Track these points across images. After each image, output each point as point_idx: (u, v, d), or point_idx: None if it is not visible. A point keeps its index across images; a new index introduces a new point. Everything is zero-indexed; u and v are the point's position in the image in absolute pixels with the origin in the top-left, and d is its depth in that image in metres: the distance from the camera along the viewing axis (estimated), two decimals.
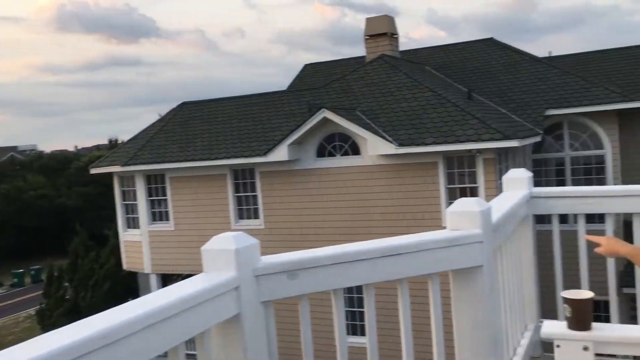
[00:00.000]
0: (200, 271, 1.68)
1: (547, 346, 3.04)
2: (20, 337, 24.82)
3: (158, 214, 16.46)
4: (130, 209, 16.96)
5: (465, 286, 2.17)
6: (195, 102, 17.86)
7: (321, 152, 14.09)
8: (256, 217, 15.06)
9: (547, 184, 14.89)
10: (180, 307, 1.41)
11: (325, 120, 13.49)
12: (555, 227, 3.38)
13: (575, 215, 3.32)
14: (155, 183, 16.34)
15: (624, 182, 15.06)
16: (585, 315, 2.47)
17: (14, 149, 67.92)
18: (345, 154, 13.83)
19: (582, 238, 3.26)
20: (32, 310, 27.94)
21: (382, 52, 16.78)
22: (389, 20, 17.20)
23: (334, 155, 13.94)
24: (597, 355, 2.44)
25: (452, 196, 12.73)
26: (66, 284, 23.70)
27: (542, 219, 3.57)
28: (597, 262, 4.25)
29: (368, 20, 17.27)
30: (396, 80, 14.90)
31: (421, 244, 2.03)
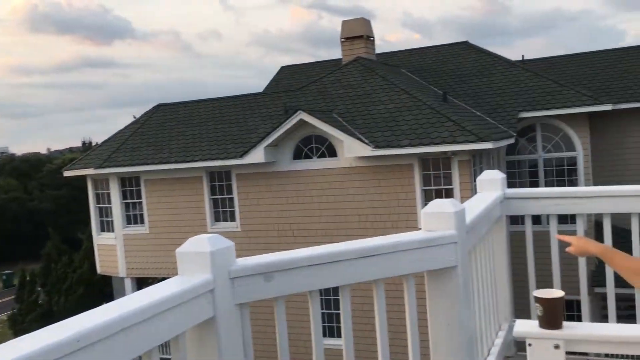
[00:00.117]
0: (175, 274, 1.67)
1: (521, 345, 3.08)
2: None
3: (133, 217, 16.28)
4: (105, 212, 16.75)
5: (440, 287, 2.20)
6: (171, 104, 17.73)
7: (298, 154, 14.09)
8: (232, 219, 15.00)
9: (521, 186, 15.10)
10: (155, 310, 1.40)
11: (302, 123, 13.50)
12: (528, 227, 3.43)
13: (548, 216, 3.37)
14: (130, 186, 16.16)
15: (595, 184, 15.35)
16: (556, 314, 2.51)
17: None
18: (322, 156, 13.85)
19: (554, 238, 3.31)
20: (4, 316, 27.42)
21: (358, 54, 16.86)
22: (365, 23, 17.29)
23: (311, 157, 13.95)
24: (569, 353, 2.49)
25: (427, 198, 12.83)
26: (39, 289, 23.31)
27: (516, 220, 3.62)
28: (569, 262, 4.33)
29: (344, 23, 17.33)
30: (372, 83, 14.98)
31: (396, 245, 2.04)
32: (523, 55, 18.85)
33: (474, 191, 12.13)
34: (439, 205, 2.23)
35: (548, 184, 15.08)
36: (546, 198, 3.32)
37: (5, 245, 39.29)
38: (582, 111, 14.56)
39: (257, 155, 13.82)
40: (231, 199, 14.98)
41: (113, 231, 16.48)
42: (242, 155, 14.04)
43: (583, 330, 2.49)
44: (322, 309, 13.55)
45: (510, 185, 3.56)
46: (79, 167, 16.81)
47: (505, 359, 3.18)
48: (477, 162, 13.12)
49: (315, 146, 13.89)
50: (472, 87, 16.53)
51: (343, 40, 17.36)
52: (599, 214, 3.27)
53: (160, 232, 15.81)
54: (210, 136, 15.39)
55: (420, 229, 2.26)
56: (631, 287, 2.99)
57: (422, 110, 13.35)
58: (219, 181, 15.10)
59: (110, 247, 16.65)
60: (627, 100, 15.68)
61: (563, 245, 3.22)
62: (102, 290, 22.34)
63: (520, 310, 3.66)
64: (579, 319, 3.25)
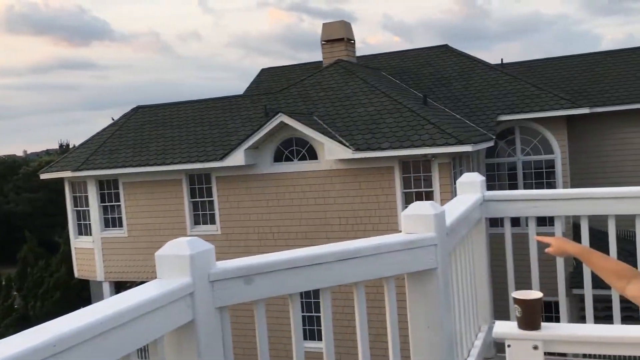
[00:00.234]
0: (154, 278, 1.65)
1: (500, 347, 3.10)
2: None
3: (111, 220, 16.10)
4: (82, 215, 16.54)
5: (420, 289, 2.20)
6: (150, 105, 17.58)
7: (278, 157, 14.07)
8: (212, 222, 14.91)
9: (500, 188, 15.24)
10: (133, 314, 1.38)
11: (283, 125, 13.48)
12: (507, 229, 3.46)
13: (527, 218, 3.40)
14: (108, 188, 15.99)
15: (573, 186, 15.56)
16: (535, 315, 2.53)
17: None
18: (303, 158, 13.84)
19: (533, 240, 3.35)
20: None
21: (339, 57, 16.90)
22: (346, 25, 17.33)
23: (291, 160, 13.94)
24: (547, 354, 2.51)
25: (408, 200, 12.89)
26: (15, 293, 22.93)
27: (495, 222, 3.65)
28: (547, 264, 4.37)
29: (325, 25, 17.36)
30: (353, 86, 15.02)
31: (377, 248, 2.04)
32: (502, 59, 19.07)
33: (454, 194, 12.22)
34: (419, 207, 2.24)
35: (527, 186, 15.25)
36: (525, 200, 3.35)
37: None
38: (560, 114, 14.76)
39: (237, 158, 13.77)
40: (211, 202, 14.90)
41: (91, 234, 16.29)
42: (222, 157, 13.97)
43: (561, 331, 2.51)
44: (303, 312, 13.53)
45: (490, 187, 3.59)
46: (56, 170, 16.59)
47: None
48: (457, 165, 13.22)
49: (296, 149, 13.88)
50: (451, 90, 16.66)
51: (323, 42, 17.39)
52: (577, 216, 3.31)
53: (139, 235, 15.66)
54: (190, 138, 15.29)
55: (400, 231, 2.26)
56: (608, 288, 3.03)
57: (402, 113, 13.42)
58: (199, 184, 15.01)
59: (88, 251, 16.45)
60: (603, 104, 15.93)
61: (541, 247, 3.25)
62: (80, 294, 22.07)
63: (500, 312, 3.69)
64: (557, 320, 3.28)
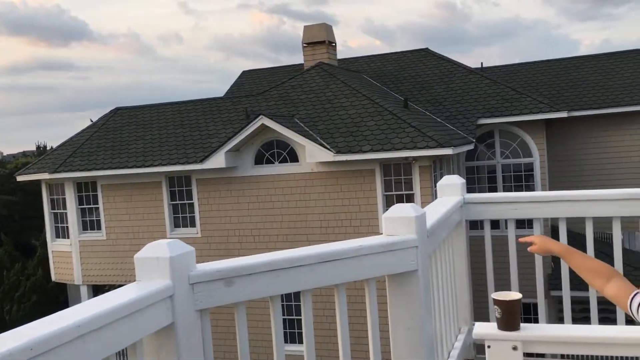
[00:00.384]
0: (133, 282, 1.63)
1: (480, 348, 3.12)
2: None
3: (89, 223, 15.92)
4: (60, 218, 16.33)
5: (401, 290, 2.21)
6: (129, 107, 17.42)
7: (259, 160, 14.03)
8: (193, 225, 14.82)
9: (480, 191, 15.38)
10: (112, 317, 1.37)
11: (263, 127, 13.45)
12: (487, 232, 3.49)
13: (506, 221, 3.43)
14: (86, 191, 15.80)
15: (551, 189, 15.75)
16: (514, 315, 2.55)
17: None
18: (284, 161, 13.82)
19: (513, 242, 3.38)
20: None
21: (320, 60, 16.92)
22: (327, 28, 17.37)
23: (272, 163, 13.91)
24: (526, 354, 2.53)
25: (389, 203, 12.94)
26: None
27: (475, 225, 3.68)
28: (526, 266, 4.41)
29: (306, 28, 17.37)
30: (334, 88, 15.05)
31: (358, 250, 2.04)
32: (482, 63, 19.27)
33: (434, 196, 12.29)
34: (400, 209, 2.24)
35: (506, 189, 15.40)
36: (505, 203, 3.38)
37: None
38: (539, 118, 14.94)
39: (217, 160, 13.70)
40: (191, 205, 14.80)
41: (68, 237, 16.08)
42: (202, 160, 13.90)
43: (540, 332, 2.54)
44: (283, 314, 13.50)
45: (470, 190, 3.62)
46: (33, 172, 16.35)
47: None
48: (438, 168, 13.30)
49: (277, 151, 13.85)
50: (432, 93, 16.77)
51: (305, 45, 17.40)
52: (555, 218, 3.35)
53: (117, 238, 15.50)
54: (170, 141, 15.18)
55: (381, 233, 2.27)
56: (586, 290, 3.07)
57: (383, 116, 13.47)
58: (179, 186, 14.91)
59: (66, 254, 16.24)
60: (581, 108, 16.17)
61: (521, 249, 3.28)
62: (57, 298, 21.76)
63: (480, 314, 3.72)
64: (535, 321, 3.31)
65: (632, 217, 3.18)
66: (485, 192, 15.23)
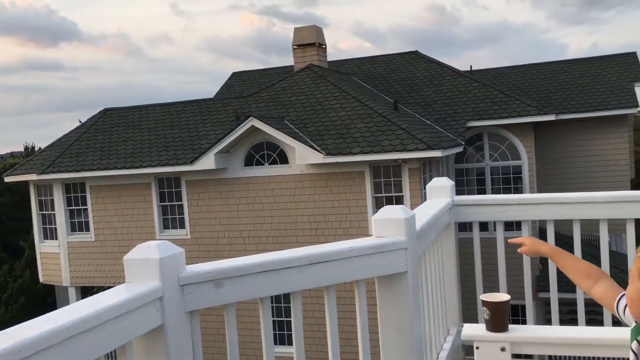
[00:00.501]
0: (122, 283, 1.62)
1: (468, 350, 3.14)
2: None
3: (77, 225, 15.82)
4: (48, 219, 16.21)
5: (391, 292, 2.21)
6: (119, 108, 17.34)
7: (249, 161, 14.01)
8: (182, 226, 14.77)
9: (469, 193, 15.45)
10: (102, 318, 1.36)
11: (253, 129, 13.44)
12: (476, 234, 3.51)
13: (494, 223, 3.45)
14: (74, 192, 15.71)
15: (539, 191, 15.86)
16: (503, 317, 2.57)
17: None
18: (274, 162, 13.81)
19: (501, 244, 3.40)
20: None
21: (310, 62, 16.93)
22: (317, 30, 17.38)
23: (262, 164, 13.90)
24: (515, 355, 2.55)
25: (378, 205, 12.97)
26: None
27: (464, 227, 3.70)
28: (514, 268, 4.44)
29: (296, 30, 17.38)
30: (324, 90, 15.06)
31: (347, 251, 2.05)
32: (471, 66, 19.35)
33: (423, 198, 12.33)
34: (389, 211, 2.25)
35: (495, 191, 15.49)
36: (493, 205, 3.40)
37: None
38: (527, 121, 15.04)
39: (207, 162, 13.67)
40: (180, 206, 14.75)
41: (57, 239, 15.97)
42: (192, 161, 13.86)
43: (528, 333, 2.56)
44: (273, 316, 13.48)
45: (458, 192, 3.64)
46: (20, 173, 16.23)
47: None
48: (427, 170, 13.35)
49: (267, 153, 13.84)
50: (422, 96, 16.84)
51: (295, 47, 17.40)
52: (543, 221, 3.38)
53: (106, 239, 15.42)
54: (159, 142, 15.13)
55: (371, 236, 2.27)
56: (573, 291, 3.09)
57: (373, 118, 13.50)
58: (168, 188, 14.85)
59: (54, 255, 16.12)
60: (568, 111, 16.29)
61: (509, 251, 3.30)
62: (45, 300, 21.61)
63: (468, 316, 3.73)
64: (524, 323, 3.33)
65: (618, 219, 3.21)
66: (474, 194, 15.30)
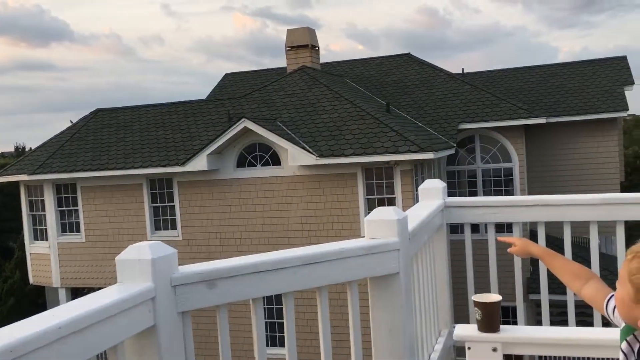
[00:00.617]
0: (112, 284, 1.62)
1: (460, 351, 3.15)
2: None
3: (68, 225, 15.74)
4: (38, 220, 16.12)
5: (383, 293, 2.22)
6: (110, 109, 17.28)
7: (241, 162, 13.99)
8: (174, 228, 14.72)
9: (460, 195, 15.50)
10: (94, 318, 1.36)
11: (246, 130, 13.43)
12: (467, 235, 3.52)
13: (486, 225, 3.47)
14: (65, 193, 15.63)
15: (530, 193, 15.94)
16: (494, 317, 2.58)
17: None
18: (266, 164, 13.80)
19: (492, 246, 3.42)
20: None
21: (303, 63, 16.93)
22: (310, 32, 17.39)
23: (255, 166, 13.88)
24: (506, 356, 2.56)
25: (370, 206, 12.99)
26: None
27: (455, 229, 3.72)
28: (505, 270, 4.46)
29: (289, 31, 17.38)
30: (316, 92, 15.07)
31: (340, 252, 2.05)
32: (463, 69, 19.42)
33: (415, 200, 12.36)
34: (382, 212, 2.26)
35: (486, 193, 15.55)
36: (485, 207, 3.42)
37: None
38: (519, 124, 15.11)
39: (199, 163, 13.64)
40: (172, 207, 14.71)
41: (47, 240, 15.88)
42: (184, 162, 13.82)
43: (519, 333, 2.57)
44: (265, 318, 13.46)
45: (450, 194, 3.65)
46: (11, 173, 16.12)
47: None
48: (419, 172, 13.38)
49: (259, 154, 13.83)
50: (414, 98, 16.89)
51: (288, 49, 17.40)
52: (534, 223, 3.40)
53: (97, 240, 15.35)
54: (151, 143, 15.08)
55: (363, 237, 2.28)
56: (563, 293, 3.11)
57: (365, 120, 13.52)
58: (160, 189, 14.80)
59: (44, 256, 16.03)
60: (559, 114, 16.39)
61: (500, 253, 3.32)
62: (35, 301, 21.47)
63: (460, 317, 3.75)
64: (515, 324, 3.35)
65: (608, 221, 3.23)
66: (465, 196, 15.36)
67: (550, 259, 2.10)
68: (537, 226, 3.36)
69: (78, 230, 15.60)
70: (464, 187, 15.86)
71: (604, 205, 3.21)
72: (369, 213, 2.29)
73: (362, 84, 17.96)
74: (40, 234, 16.17)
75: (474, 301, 2.61)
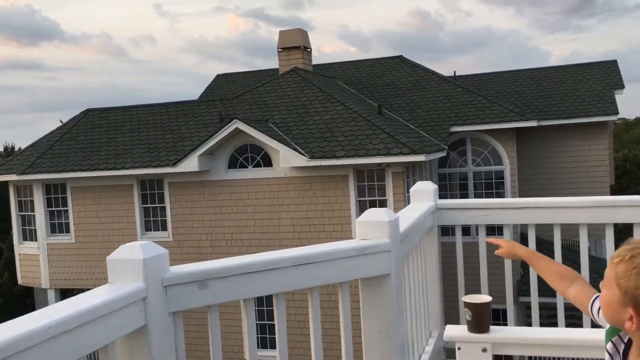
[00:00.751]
0: (102, 285, 1.62)
1: (450, 352, 3.16)
2: None
3: (58, 226, 15.64)
4: (27, 220, 16.02)
5: (374, 294, 2.23)
6: (101, 109, 17.20)
7: (233, 164, 13.97)
8: (164, 229, 14.67)
9: (452, 197, 15.53)
10: (84, 318, 1.35)
11: (237, 131, 13.41)
12: (458, 237, 3.54)
13: (477, 228, 3.49)
14: (55, 193, 15.54)
15: (521, 196, 16.01)
16: (484, 318, 2.60)
17: None
18: (257, 165, 13.79)
19: (483, 248, 3.43)
20: None
21: (295, 65, 16.94)
22: (303, 33, 17.41)
23: (246, 167, 13.87)
24: (496, 356, 2.58)
25: (362, 208, 13.00)
26: None
27: (446, 231, 3.73)
28: (496, 272, 4.48)
29: (282, 33, 17.39)
30: (308, 93, 15.08)
31: (332, 253, 2.06)
32: (455, 71, 19.52)
33: (407, 202, 12.39)
34: (373, 214, 2.27)
35: (477, 196, 15.62)
36: (476, 209, 3.43)
37: None
38: (510, 127, 15.19)
39: (190, 164, 13.60)
40: (163, 208, 14.66)
41: (36, 240, 15.78)
42: (175, 163, 13.78)
43: (509, 334, 2.58)
44: (256, 319, 13.44)
45: (441, 197, 3.67)
46: (0, 173, 16.01)
47: None
48: (411, 174, 13.42)
49: (251, 155, 13.82)
50: (406, 100, 16.93)
51: (280, 50, 17.41)
52: (524, 225, 3.42)
53: (86, 241, 15.26)
54: (142, 143, 15.03)
55: (354, 239, 2.28)
56: (553, 296, 3.13)
57: (357, 122, 13.54)
58: (151, 189, 14.75)
59: (33, 257, 15.92)
60: (550, 118, 16.49)
61: (491, 255, 3.34)
62: (24, 302, 21.33)
63: (451, 320, 3.76)
64: (505, 326, 3.36)
65: (598, 224, 3.26)
66: (457, 198, 15.40)
67: (536, 260, 2.12)
68: (527, 228, 3.38)
69: (68, 231, 15.51)
70: (455, 189, 15.91)
71: (594, 208, 3.23)
72: (360, 215, 2.30)
73: (354, 86, 17.99)
74: (29, 235, 16.06)
75: (464, 302, 2.62)
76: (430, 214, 3.26)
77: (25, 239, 16.18)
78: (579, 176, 16.56)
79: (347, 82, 18.24)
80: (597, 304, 1.74)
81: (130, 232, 14.78)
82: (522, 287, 13.76)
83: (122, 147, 15.11)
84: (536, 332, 2.65)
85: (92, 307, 1.39)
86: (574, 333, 2.55)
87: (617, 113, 16.24)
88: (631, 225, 3.17)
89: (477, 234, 3.46)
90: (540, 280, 2.79)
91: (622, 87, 17.29)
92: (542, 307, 3.55)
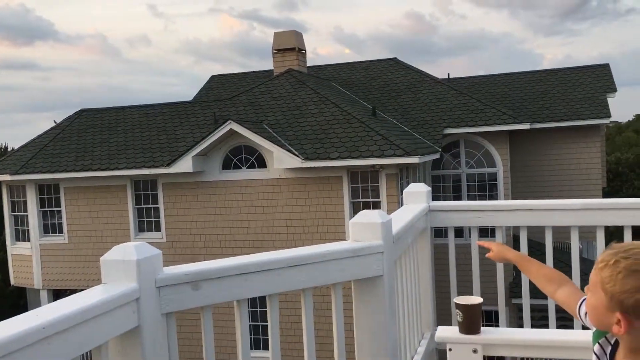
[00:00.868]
0: (95, 286, 1.62)
1: (442, 354, 3.18)
2: None
3: (51, 226, 15.59)
4: (20, 221, 15.95)
5: (366, 295, 2.24)
6: (95, 109, 17.16)
7: (227, 165, 13.96)
8: (158, 229, 14.64)
9: (445, 199, 15.59)
10: (78, 319, 1.36)
11: (232, 132, 13.41)
12: (451, 239, 3.56)
13: (469, 230, 3.51)
14: (48, 193, 15.48)
15: (513, 198, 16.07)
16: (475, 319, 2.61)
17: None
18: (252, 166, 13.78)
19: (475, 250, 3.45)
20: None
21: (290, 66, 16.95)
22: (297, 35, 17.42)
23: (240, 168, 13.86)
24: (487, 357, 2.59)
25: (355, 210, 13.02)
26: None
27: (439, 233, 3.75)
28: (488, 274, 4.50)
29: (276, 34, 17.40)
30: (303, 95, 15.09)
31: (325, 255, 2.07)
32: (449, 74, 19.58)
33: (400, 204, 12.42)
34: (366, 215, 2.28)
35: (470, 198, 15.67)
36: (468, 211, 3.45)
37: None
38: (503, 129, 15.25)
39: (184, 165, 13.59)
40: (156, 209, 14.63)
41: (29, 240, 15.71)
42: (169, 164, 13.76)
43: (499, 335, 2.60)
44: (249, 321, 13.43)
45: (435, 199, 3.68)
46: None
47: None
48: (404, 176, 13.45)
49: (245, 156, 13.81)
50: (400, 102, 16.97)
51: (275, 51, 17.42)
52: (517, 227, 3.44)
53: (80, 242, 15.21)
54: (136, 144, 14.99)
55: (347, 240, 2.30)
56: (544, 298, 3.15)
57: (351, 124, 13.56)
58: (144, 190, 14.72)
59: (26, 257, 15.85)
60: (543, 120, 16.56)
61: (483, 257, 3.35)
62: (16, 303, 21.23)
63: (443, 321, 3.78)
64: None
65: (589, 226, 3.28)
66: (450, 200, 15.44)
67: (526, 264, 2.14)
68: (519, 230, 3.41)
69: (61, 232, 15.46)
70: (448, 191, 15.95)
71: (586, 211, 3.25)
72: (353, 216, 2.31)
73: (348, 88, 18.01)
74: (22, 235, 15.99)
75: (456, 303, 2.64)
76: (423, 215, 3.28)
77: (18, 239, 16.11)
78: (572, 178, 16.64)
79: (342, 84, 18.27)
80: (584, 308, 1.76)
81: (124, 232, 14.75)
82: (514, 289, 13.81)
83: (116, 147, 15.07)
84: (526, 334, 2.66)
85: (86, 308, 1.40)
86: (562, 334, 2.57)
87: (610, 116, 16.32)
88: (622, 227, 3.20)
89: (469, 236, 3.48)
90: (532, 283, 2.81)
91: (614, 90, 17.39)
92: (533, 308, 3.57)
